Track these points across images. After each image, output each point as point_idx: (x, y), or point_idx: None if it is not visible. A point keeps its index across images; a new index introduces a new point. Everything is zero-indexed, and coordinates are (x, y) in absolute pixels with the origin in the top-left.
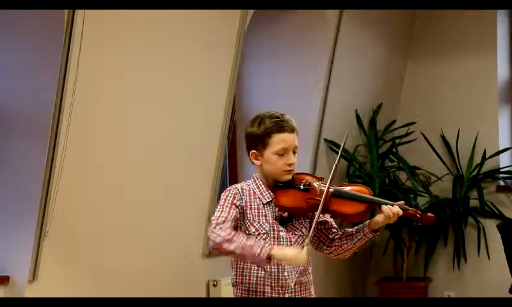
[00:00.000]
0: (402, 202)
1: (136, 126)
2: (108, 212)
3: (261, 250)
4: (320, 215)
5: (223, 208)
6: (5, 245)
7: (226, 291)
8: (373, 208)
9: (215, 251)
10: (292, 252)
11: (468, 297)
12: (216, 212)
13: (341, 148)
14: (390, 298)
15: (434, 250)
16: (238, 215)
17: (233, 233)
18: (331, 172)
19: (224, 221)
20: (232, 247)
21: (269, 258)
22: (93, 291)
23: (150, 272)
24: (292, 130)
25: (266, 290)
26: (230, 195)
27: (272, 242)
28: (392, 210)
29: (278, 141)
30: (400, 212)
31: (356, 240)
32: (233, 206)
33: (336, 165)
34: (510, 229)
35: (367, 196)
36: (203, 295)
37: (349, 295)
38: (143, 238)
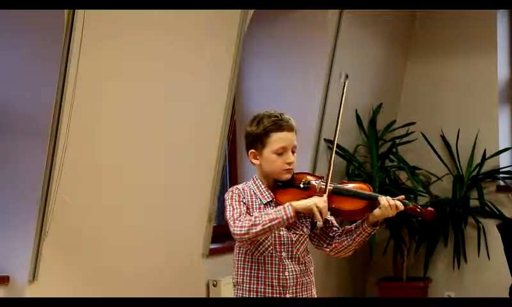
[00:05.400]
0: (403, 196)
1: (136, 126)
2: (108, 212)
3: (286, 214)
4: None
5: (233, 206)
6: (5, 245)
7: (226, 291)
8: (374, 205)
9: (243, 242)
10: (312, 200)
11: (468, 297)
12: (227, 212)
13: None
14: (390, 298)
15: (434, 250)
16: (248, 211)
17: (252, 217)
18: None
19: (239, 216)
20: (259, 228)
21: (295, 214)
22: (93, 291)
23: (150, 272)
24: (290, 129)
25: (267, 290)
26: (234, 194)
27: (273, 242)
28: (389, 201)
29: (277, 139)
30: (401, 206)
31: (355, 235)
32: (242, 203)
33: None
34: (510, 229)
35: (367, 192)
36: (203, 295)
37: (349, 295)
38: (143, 238)
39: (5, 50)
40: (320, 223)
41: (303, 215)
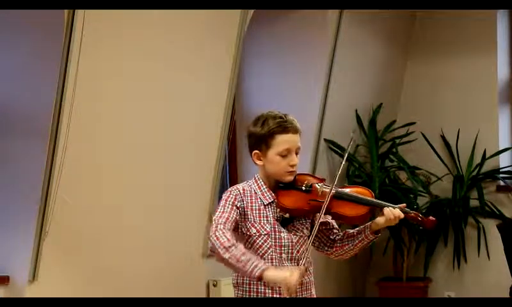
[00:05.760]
0: (404, 204)
1: (136, 126)
2: (108, 212)
3: (252, 270)
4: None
5: (224, 208)
6: (5, 245)
7: (226, 291)
8: (375, 211)
9: (212, 253)
10: (283, 276)
11: (468, 297)
12: (217, 212)
13: (346, 152)
14: (390, 298)
15: (434, 250)
16: (238, 217)
17: (231, 242)
18: (336, 176)
19: (225, 222)
20: (226, 256)
21: (260, 278)
22: (93, 291)
23: (150, 272)
24: (295, 131)
25: (267, 291)
26: (231, 196)
27: (273, 244)
28: (393, 212)
29: (282, 141)
30: (402, 215)
31: (357, 241)
32: (234, 207)
33: (342, 165)
34: (510, 229)
35: (369, 198)
36: (203, 295)
37: (349, 295)
38: (143, 238)
39: (5, 50)
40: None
41: (303, 217)
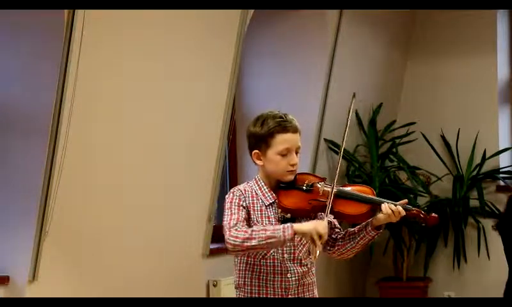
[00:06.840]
0: (406, 201)
1: (136, 126)
2: (108, 212)
3: (284, 234)
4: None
5: (231, 211)
6: (5, 245)
7: (226, 291)
8: (377, 209)
9: (234, 252)
10: (312, 223)
11: (468, 297)
12: (225, 217)
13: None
14: (390, 298)
15: (434, 250)
16: (247, 216)
17: (249, 230)
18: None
19: (236, 223)
20: (254, 242)
21: (294, 236)
22: (93, 291)
23: (150, 272)
24: (295, 130)
25: (269, 292)
26: (234, 197)
27: None
28: (391, 207)
29: (282, 141)
30: (402, 212)
31: (358, 238)
32: (241, 208)
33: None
34: (505, 223)
35: (371, 196)
36: (203, 295)
37: (349, 295)
38: (143, 238)
39: (5, 50)
40: (318, 250)
41: (305, 217)
